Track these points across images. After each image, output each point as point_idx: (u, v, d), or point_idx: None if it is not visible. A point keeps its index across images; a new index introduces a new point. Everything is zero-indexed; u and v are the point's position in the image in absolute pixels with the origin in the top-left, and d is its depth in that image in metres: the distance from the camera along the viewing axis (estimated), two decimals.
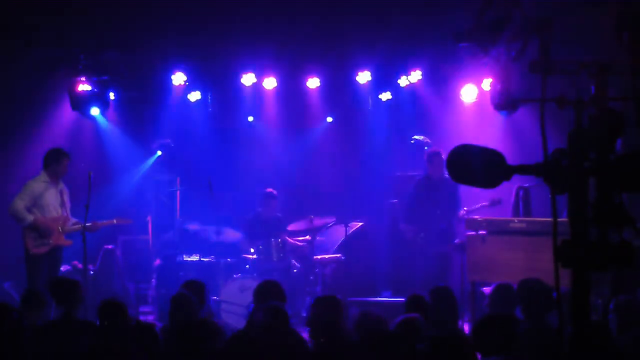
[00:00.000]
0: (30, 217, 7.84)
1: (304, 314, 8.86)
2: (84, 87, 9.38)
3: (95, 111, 9.84)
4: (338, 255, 9.46)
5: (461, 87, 10.09)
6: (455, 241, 8.59)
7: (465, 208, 8.90)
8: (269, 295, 5.49)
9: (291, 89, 10.55)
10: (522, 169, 2.19)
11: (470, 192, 8.69)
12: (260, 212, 9.63)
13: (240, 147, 11.08)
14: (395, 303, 7.86)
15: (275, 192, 9.63)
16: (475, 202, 8.83)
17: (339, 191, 10.70)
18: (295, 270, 9.23)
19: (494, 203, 8.66)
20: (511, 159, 2.22)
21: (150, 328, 4.77)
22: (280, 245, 9.06)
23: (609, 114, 2.18)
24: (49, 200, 7.98)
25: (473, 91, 10.02)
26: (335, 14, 8.46)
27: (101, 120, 10.33)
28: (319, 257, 9.28)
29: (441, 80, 10.20)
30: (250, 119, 11.10)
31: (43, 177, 8.04)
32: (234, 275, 8.97)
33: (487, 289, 8.07)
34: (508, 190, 8.64)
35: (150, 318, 9.30)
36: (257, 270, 8.97)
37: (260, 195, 9.63)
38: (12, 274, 9.07)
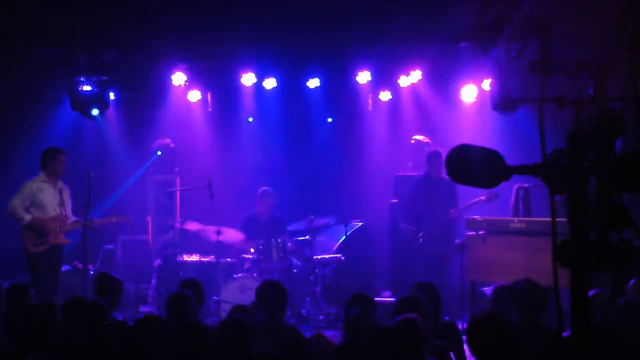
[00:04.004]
0: (27, 216, 7.85)
1: (304, 314, 8.86)
2: (83, 87, 9.39)
3: (95, 111, 9.85)
4: (338, 255, 9.46)
5: (461, 87, 10.09)
6: (456, 241, 8.59)
7: (452, 209, 8.90)
8: (270, 296, 5.49)
9: (291, 89, 10.55)
10: (521, 169, 2.18)
11: (469, 188, 8.68)
12: (258, 211, 9.63)
13: (240, 147, 11.09)
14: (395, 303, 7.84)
15: (270, 190, 9.62)
16: (474, 199, 8.83)
17: (339, 191, 10.71)
18: (295, 270, 9.22)
19: (491, 198, 8.64)
20: (511, 159, 2.21)
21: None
22: (280, 245, 9.06)
23: (609, 114, 2.17)
24: (47, 200, 8.00)
25: (473, 91, 10.02)
26: (335, 14, 8.46)
27: (101, 120, 10.34)
28: (319, 257, 9.28)
29: (441, 80, 10.20)
30: (250, 119, 11.10)
31: (42, 177, 8.06)
32: (234, 275, 8.97)
33: (487, 289, 8.08)
34: (507, 188, 8.63)
35: None
36: (257, 270, 8.97)
37: (256, 195, 9.64)
38: (13, 274, 9.07)
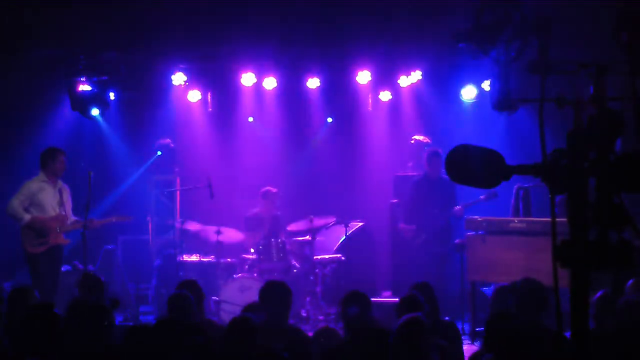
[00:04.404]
0: (27, 216, 7.85)
1: (304, 314, 8.86)
2: (84, 87, 9.38)
3: (95, 111, 9.84)
4: (338, 255, 9.46)
5: (461, 87, 10.09)
6: (455, 241, 8.59)
7: (458, 206, 8.89)
8: (274, 296, 5.48)
9: (291, 89, 10.55)
10: (521, 169, 2.18)
11: (468, 188, 8.67)
12: (260, 211, 9.64)
13: (240, 147, 11.09)
14: (395, 303, 7.85)
15: (273, 189, 9.63)
16: (472, 198, 8.83)
17: (339, 191, 10.70)
18: (295, 270, 9.22)
19: (490, 196, 8.64)
20: (511, 159, 2.21)
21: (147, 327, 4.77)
22: (280, 245, 9.06)
23: (609, 113, 2.17)
24: (46, 200, 7.99)
25: (473, 91, 10.02)
26: (335, 14, 8.46)
27: (101, 120, 10.34)
28: (319, 257, 9.27)
29: (441, 80, 10.20)
30: (250, 119, 11.10)
31: (41, 177, 8.06)
32: (234, 275, 8.97)
33: (487, 289, 8.08)
34: (508, 187, 8.63)
35: (150, 318, 9.31)
36: (257, 270, 8.97)
37: (260, 194, 9.65)
38: (13, 274, 9.08)
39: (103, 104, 9.67)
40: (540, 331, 4.61)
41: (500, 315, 4.31)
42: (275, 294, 5.49)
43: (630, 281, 5.66)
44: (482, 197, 8.72)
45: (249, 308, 5.49)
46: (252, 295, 7.74)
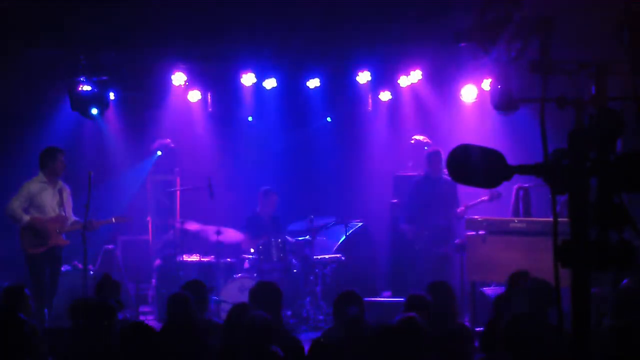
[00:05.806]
0: (26, 217, 7.84)
1: (304, 315, 8.86)
2: (84, 87, 9.38)
3: (95, 111, 9.84)
4: (338, 255, 9.46)
5: (461, 87, 10.09)
6: (456, 241, 8.58)
7: (463, 207, 8.88)
8: (264, 298, 5.47)
9: (291, 89, 10.55)
10: (522, 169, 2.18)
11: (469, 188, 8.67)
12: (259, 211, 9.64)
13: (240, 147, 11.09)
14: (395, 303, 7.85)
15: (273, 189, 9.63)
16: (475, 198, 8.83)
17: (339, 191, 10.70)
18: (295, 270, 9.22)
19: (494, 197, 8.63)
20: (511, 159, 2.22)
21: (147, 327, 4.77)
22: (280, 245, 9.06)
23: (609, 113, 2.18)
24: (46, 200, 7.98)
25: (473, 91, 10.02)
26: (335, 14, 8.46)
27: (101, 120, 10.33)
28: (319, 257, 9.28)
29: (441, 80, 10.20)
30: (250, 119, 11.10)
31: (40, 177, 8.04)
32: (234, 275, 8.97)
33: (487, 289, 8.08)
34: (508, 187, 8.64)
35: (150, 318, 9.32)
36: (257, 270, 8.97)
37: (258, 194, 9.65)
38: (12, 274, 9.06)
39: (103, 104, 9.66)
40: (553, 331, 4.60)
41: (519, 317, 4.28)
42: (266, 295, 5.49)
43: (625, 281, 5.63)
44: (485, 197, 8.71)
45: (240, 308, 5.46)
46: None
